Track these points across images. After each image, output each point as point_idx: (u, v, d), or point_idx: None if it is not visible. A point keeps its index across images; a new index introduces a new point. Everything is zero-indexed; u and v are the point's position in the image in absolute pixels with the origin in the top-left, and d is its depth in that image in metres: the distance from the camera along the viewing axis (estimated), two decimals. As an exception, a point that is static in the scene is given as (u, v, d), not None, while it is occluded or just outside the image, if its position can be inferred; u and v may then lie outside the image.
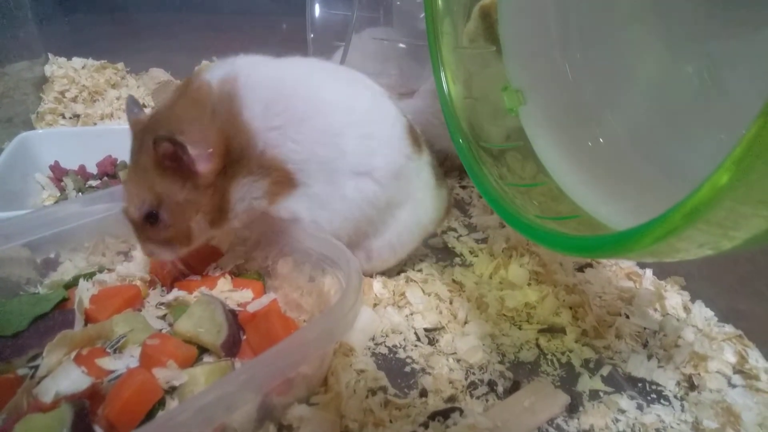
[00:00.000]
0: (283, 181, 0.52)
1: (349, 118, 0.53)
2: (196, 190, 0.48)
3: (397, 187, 0.57)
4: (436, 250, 0.72)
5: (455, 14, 0.60)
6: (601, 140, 0.54)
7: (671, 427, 0.48)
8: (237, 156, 0.49)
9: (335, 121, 0.52)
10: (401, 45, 0.98)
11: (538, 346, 0.56)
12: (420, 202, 0.61)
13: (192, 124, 0.47)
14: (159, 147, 0.45)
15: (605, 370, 0.54)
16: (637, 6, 0.52)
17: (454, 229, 0.78)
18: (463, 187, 0.91)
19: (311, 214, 0.54)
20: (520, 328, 0.58)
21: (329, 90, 0.54)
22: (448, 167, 0.92)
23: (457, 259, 0.70)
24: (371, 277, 0.64)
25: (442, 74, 0.60)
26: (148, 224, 0.49)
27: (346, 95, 0.55)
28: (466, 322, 0.59)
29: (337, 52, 1.03)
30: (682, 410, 0.50)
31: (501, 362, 0.54)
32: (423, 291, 0.63)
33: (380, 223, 0.59)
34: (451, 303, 0.61)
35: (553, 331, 0.58)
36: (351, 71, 0.60)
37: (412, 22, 0.99)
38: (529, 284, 0.64)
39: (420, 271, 0.67)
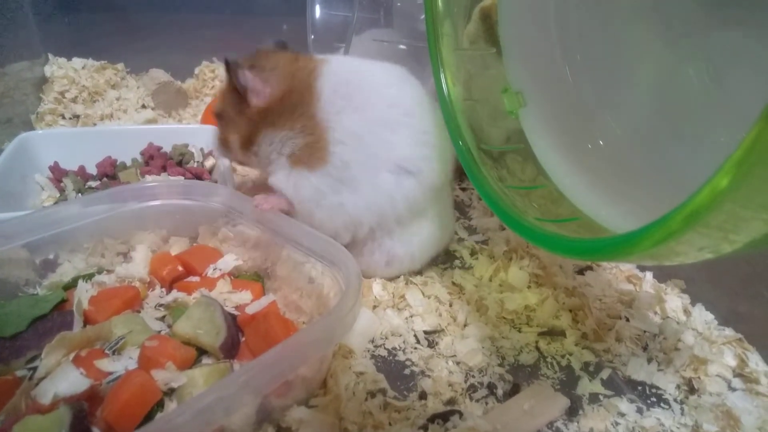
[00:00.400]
0: (315, 151, 0.56)
1: (407, 120, 0.58)
2: (242, 114, 0.57)
3: (432, 199, 0.61)
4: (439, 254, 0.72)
5: (455, 16, 0.60)
6: (601, 142, 0.54)
7: (671, 430, 0.48)
8: (289, 108, 0.56)
9: (390, 117, 0.57)
10: (401, 46, 0.98)
11: (537, 349, 0.56)
12: (443, 221, 0.66)
13: (266, 66, 0.57)
14: (227, 66, 0.55)
15: (605, 374, 0.54)
16: (638, 7, 0.52)
17: (455, 232, 0.78)
18: (463, 189, 0.91)
19: (336, 196, 0.57)
20: (519, 331, 0.58)
21: (392, 89, 0.60)
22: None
23: (457, 262, 0.70)
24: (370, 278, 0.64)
25: (442, 76, 0.60)
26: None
27: (411, 99, 0.60)
28: (465, 325, 0.59)
29: (337, 54, 1.03)
30: (682, 414, 0.50)
31: (501, 365, 0.54)
32: (423, 293, 0.63)
33: (406, 227, 0.61)
34: (450, 305, 0.61)
35: (552, 334, 0.58)
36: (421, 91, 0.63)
37: (413, 24, 0.99)
38: (528, 287, 0.64)
39: (420, 273, 0.66)
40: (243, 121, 0.58)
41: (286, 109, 0.56)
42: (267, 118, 0.57)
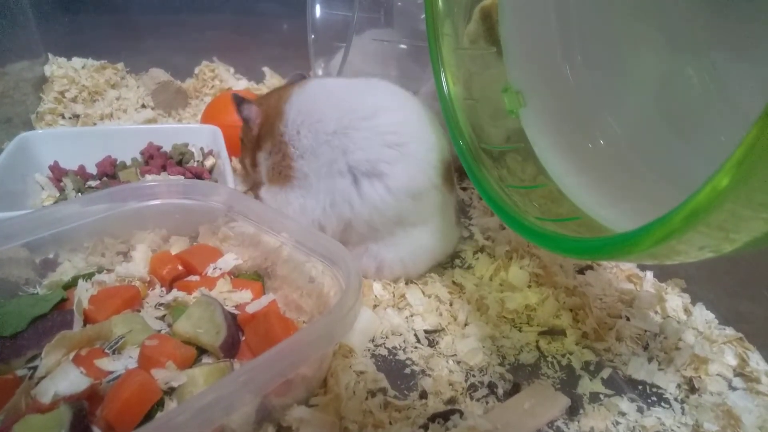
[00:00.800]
0: (282, 169, 0.63)
1: (365, 123, 0.58)
2: (248, 140, 0.70)
3: (413, 206, 0.59)
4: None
5: (456, 15, 0.60)
6: (601, 142, 0.54)
7: (671, 429, 0.48)
8: (268, 131, 0.65)
9: (345, 122, 0.59)
10: (402, 46, 0.98)
11: (538, 348, 0.56)
12: (440, 232, 0.64)
13: (262, 101, 0.69)
14: (233, 101, 0.68)
15: (605, 373, 0.53)
16: (639, 6, 0.52)
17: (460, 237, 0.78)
18: (464, 189, 0.91)
19: (301, 202, 0.62)
20: (520, 330, 0.58)
21: (353, 97, 0.62)
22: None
23: (457, 261, 0.70)
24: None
25: (443, 75, 0.60)
26: None
27: (373, 103, 0.61)
28: (466, 324, 0.59)
29: (337, 53, 1.03)
30: (683, 413, 0.50)
31: (501, 364, 0.54)
32: (423, 293, 0.63)
33: (388, 234, 0.61)
34: (451, 305, 0.61)
35: (553, 333, 0.58)
36: (413, 98, 0.64)
37: (413, 23, 0.99)
38: (529, 286, 0.64)
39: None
40: (248, 146, 0.70)
41: (267, 132, 0.66)
42: (258, 142, 0.67)
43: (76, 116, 1.01)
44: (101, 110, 1.04)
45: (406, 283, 0.64)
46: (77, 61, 1.17)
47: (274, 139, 0.64)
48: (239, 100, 0.67)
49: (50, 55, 1.15)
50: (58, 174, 0.74)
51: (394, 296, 0.62)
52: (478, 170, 0.56)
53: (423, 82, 0.91)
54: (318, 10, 1.11)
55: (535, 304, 0.61)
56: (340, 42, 1.05)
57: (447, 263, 0.69)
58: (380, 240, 0.62)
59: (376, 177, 0.58)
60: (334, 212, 0.60)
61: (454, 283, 0.65)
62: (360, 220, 0.60)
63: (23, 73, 1.02)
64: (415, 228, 0.62)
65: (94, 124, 1.01)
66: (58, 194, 0.72)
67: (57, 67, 1.12)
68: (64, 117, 1.01)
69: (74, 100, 1.06)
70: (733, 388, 0.52)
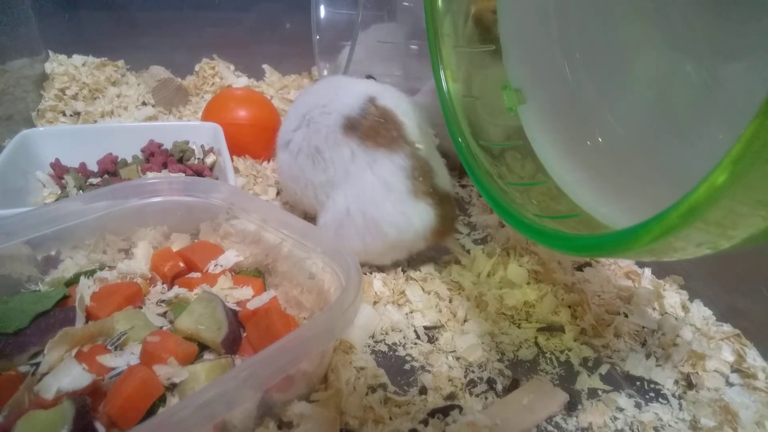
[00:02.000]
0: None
1: (299, 101, 0.70)
2: None
3: (312, 165, 0.65)
4: (435, 249, 0.72)
5: (456, 13, 0.60)
6: (600, 139, 0.54)
7: (669, 425, 0.48)
8: None
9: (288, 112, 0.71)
10: (412, 47, 0.99)
11: (537, 344, 0.57)
12: (368, 194, 0.61)
13: None
14: None
15: (604, 369, 0.54)
16: (638, 3, 0.52)
17: (456, 229, 0.78)
18: (463, 186, 0.91)
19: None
20: (519, 327, 0.59)
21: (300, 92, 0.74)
22: (448, 167, 0.92)
23: (457, 258, 0.70)
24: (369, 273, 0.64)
25: (442, 73, 0.60)
26: None
27: (304, 92, 0.73)
28: (465, 321, 0.59)
29: (342, 52, 1.03)
30: (680, 408, 0.50)
31: (500, 360, 0.54)
32: (423, 289, 0.63)
33: (313, 199, 0.67)
34: (450, 301, 0.62)
35: (552, 329, 0.58)
36: (358, 83, 0.68)
37: (417, 22, 0.99)
38: (528, 283, 0.64)
39: (419, 269, 0.67)
40: None
41: None
42: None
43: (77, 114, 1.02)
44: (102, 107, 1.04)
45: (406, 280, 0.64)
46: (78, 59, 1.17)
47: None
48: None
49: (51, 53, 1.15)
50: (59, 171, 0.74)
51: (393, 293, 0.62)
52: (477, 168, 0.56)
53: (426, 80, 0.92)
54: (323, 10, 1.11)
55: (533, 301, 0.61)
56: (345, 41, 1.05)
57: (446, 260, 0.70)
58: (316, 208, 0.68)
59: (284, 146, 0.69)
60: (283, 185, 0.74)
61: (453, 279, 0.65)
62: (290, 188, 0.71)
63: (24, 70, 1.03)
64: (336, 190, 0.63)
65: (95, 121, 1.01)
66: (59, 191, 0.72)
67: (57, 65, 1.13)
68: (65, 114, 1.01)
69: (75, 97, 1.06)
70: (730, 384, 0.53)
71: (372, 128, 0.61)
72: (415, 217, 0.61)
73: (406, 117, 0.63)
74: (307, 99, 0.69)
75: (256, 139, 0.90)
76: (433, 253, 0.71)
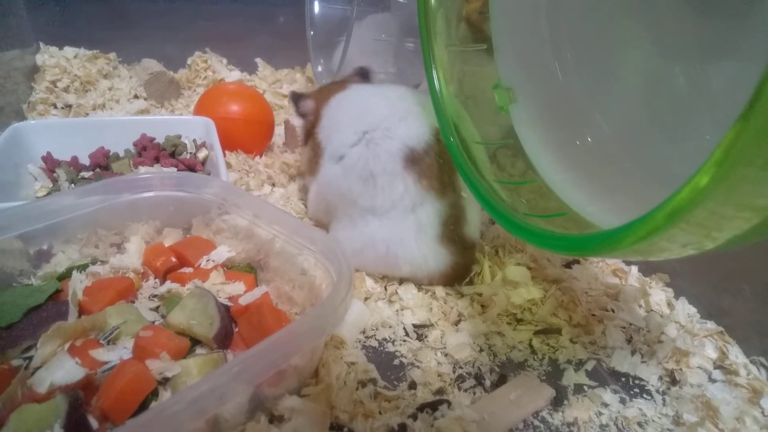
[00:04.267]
0: (313, 165, 0.70)
1: (357, 114, 0.65)
2: (305, 128, 0.75)
3: (363, 188, 0.61)
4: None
5: (448, 11, 0.60)
6: (589, 140, 0.55)
7: (653, 420, 0.49)
8: (311, 126, 0.73)
9: (337, 119, 0.67)
10: (408, 45, 0.99)
11: (530, 345, 0.57)
12: (400, 232, 0.61)
13: (316, 96, 0.75)
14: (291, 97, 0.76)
15: (590, 365, 0.55)
16: (627, 6, 0.52)
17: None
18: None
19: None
20: (515, 329, 0.59)
21: (349, 99, 0.69)
22: None
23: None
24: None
25: (434, 72, 0.60)
26: None
27: (359, 103, 0.68)
28: (457, 321, 0.59)
29: (337, 48, 1.03)
30: (664, 404, 0.51)
31: (490, 359, 0.55)
32: (417, 287, 0.63)
33: (345, 216, 0.65)
34: (445, 302, 0.62)
35: (548, 332, 0.58)
36: (400, 91, 0.68)
37: (412, 19, 0.99)
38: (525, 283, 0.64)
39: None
40: (305, 136, 0.76)
41: (311, 128, 0.73)
42: (308, 134, 0.74)
43: (68, 106, 1.01)
44: (93, 100, 1.04)
45: (400, 283, 0.65)
46: (69, 51, 1.16)
47: (314, 137, 0.70)
48: (296, 97, 0.75)
49: (42, 44, 1.14)
50: (51, 165, 0.74)
51: (385, 290, 0.63)
52: (468, 167, 0.56)
53: (421, 77, 0.92)
54: (316, 6, 1.11)
55: (538, 299, 0.62)
56: (339, 37, 1.05)
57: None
58: (338, 220, 0.66)
59: (338, 159, 0.64)
60: (322, 199, 0.70)
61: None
62: (327, 202, 0.68)
63: (14, 62, 1.02)
64: (374, 215, 0.62)
65: (87, 114, 1.00)
66: (51, 185, 0.72)
67: (48, 57, 1.12)
68: (56, 107, 1.01)
69: (66, 90, 1.06)
70: (712, 381, 0.54)
71: (431, 167, 0.60)
72: (432, 260, 0.61)
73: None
74: (368, 115, 0.64)
75: (248, 133, 0.90)
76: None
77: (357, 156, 0.61)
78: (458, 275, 0.64)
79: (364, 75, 0.80)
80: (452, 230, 0.61)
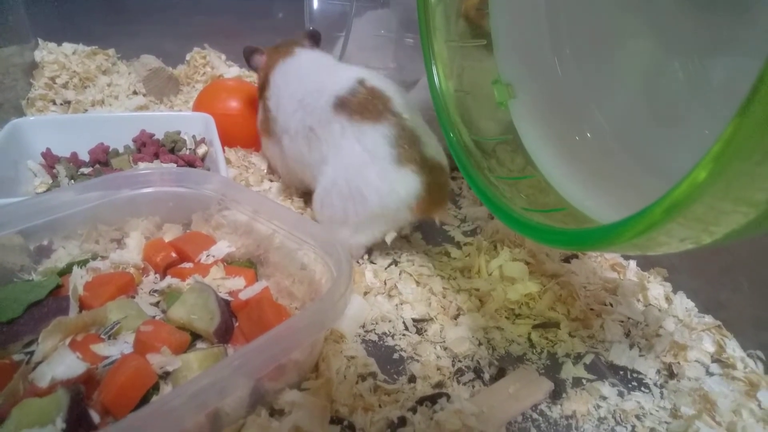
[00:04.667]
0: (266, 125, 0.78)
1: (293, 87, 0.74)
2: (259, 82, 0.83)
3: (309, 145, 0.69)
4: (428, 242, 0.73)
5: (448, 7, 0.60)
6: (588, 134, 0.55)
7: (650, 413, 0.50)
8: (261, 87, 0.81)
9: (281, 92, 0.75)
10: (408, 40, 0.98)
11: (529, 339, 0.57)
12: (354, 164, 0.63)
13: (269, 53, 0.82)
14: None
15: (588, 359, 0.55)
16: (626, 0, 0.52)
17: (447, 200, 0.79)
18: (453, 179, 0.92)
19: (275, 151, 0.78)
20: (513, 323, 0.59)
21: (291, 70, 0.77)
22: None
23: (448, 250, 0.71)
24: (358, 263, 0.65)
25: (434, 68, 0.60)
26: None
27: (298, 74, 0.76)
28: (456, 315, 0.60)
29: (336, 44, 1.03)
30: (662, 397, 0.52)
31: (489, 353, 0.55)
32: (417, 283, 0.64)
33: (311, 177, 0.70)
34: (444, 296, 0.62)
35: (547, 326, 0.59)
36: (350, 68, 0.72)
37: (411, 14, 0.99)
38: (522, 279, 0.65)
39: (412, 261, 0.68)
40: (259, 92, 0.82)
41: (261, 89, 0.81)
42: (260, 92, 0.81)
43: (67, 102, 1.01)
44: (92, 96, 1.04)
45: (399, 273, 0.65)
46: (68, 47, 1.16)
47: (264, 101, 0.78)
48: (250, 51, 0.83)
49: (40, 40, 1.14)
50: (50, 161, 0.74)
51: (385, 284, 0.63)
52: (468, 162, 0.57)
53: (421, 72, 0.92)
54: (316, 1, 1.11)
55: (535, 294, 0.62)
56: (338, 32, 1.04)
57: (440, 253, 0.70)
58: (315, 181, 0.69)
59: (286, 132, 0.73)
60: (281, 164, 0.79)
61: (443, 272, 0.66)
62: (290, 167, 0.75)
63: (13, 58, 1.02)
64: (327, 164, 0.66)
65: (86, 110, 1.00)
66: (50, 181, 0.72)
67: (47, 53, 1.12)
68: (55, 103, 1.01)
69: (65, 86, 1.06)
70: (710, 374, 0.54)
71: (360, 104, 0.64)
72: (400, 184, 0.62)
73: (394, 94, 0.66)
74: (300, 86, 0.72)
75: (247, 129, 0.90)
76: (425, 240, 0.72)
77: (298, 120, 0.70)
78: (436, 199, 0.64)
79: (313, 38, 0.85)
80: (408, 150, 0.62)
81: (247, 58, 0.83)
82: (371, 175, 0.62)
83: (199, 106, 0.91)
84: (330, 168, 0.65)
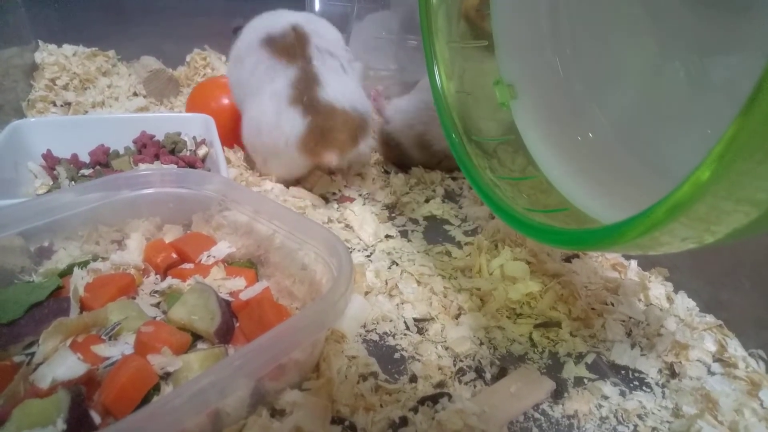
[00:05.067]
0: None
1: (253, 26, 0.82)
2: None
3: (238, 70, 0.78)
4: (429, 242, 0.73)
5: (449, 8, 0.60)
6: (590, 135, 0.55)
7: (652, 413, 0.50)
8: None
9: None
10: (411, 42, 0.99)
11: (530, 339, 0.57)
12: (263, 104, 0.72)
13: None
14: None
15: (590, 358, 0.55)
16: (628, 1, 0.52)
17: (447, 221, 0.79)
18: (454, 179, 0.92)
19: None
20: (515, 323, 0.59)
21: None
22: (445, 167, 0.93)
23: (449, 249, 0.71)
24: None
25: (436, 69, 0.60)
26: None
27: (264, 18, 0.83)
28: (457, 315, 0.60)
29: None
30: (663, 397, 0.52)
31: (491, 352, 0.55)
32: (418, 282, 0.64)
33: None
34: (445, 296, 0.62)
35: (548, 326, 0.59)
36: (300, 15, 0.81)
37: (411, 16, 0.99)
38: (523, 278, 0.65)
39: (413, 261, 0.67)
40: None
41: None
42: None
43: (68, 104, 1.01)
44: (93, 98, 1.04)
45: (401, 273, 0.65)
46: (68, 48, 1.16)
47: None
48: (237, 29, 0.86)
49: (40, 42, 1.14)
50: (51, 162, 0.74)
51: (386, 284, 0.63)
52: (469, 162, 0.57)
53: (421, 74, 0.92)
54: (317, 3, 1.11)
55: (536, 293, 0.62)
56: (341, 33, 1.05)
57: (441, 252, 0.70)
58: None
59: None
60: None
61: (444, 272, 0.66)
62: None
63: (13, 59, 1.02)
64: (253, 97, 0.74)
65: (86, 112, 1.00)
66: (51, 183, 0.72)
67: (47, 54, 1.12)
68: (55, 105, 1.01)
69: (65, 87, 1.06)
70: (711, 373, 0.54)
71: (283, 46, 0.73)
72: (285, 122, 0.69)
73: (321, 40, 0.74)
74: (255, 24, 0.81)
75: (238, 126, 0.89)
76: (426, 240, 0.72)
77: (240, 48, 0.79)
78: (322, 141, 0.70)
79: None
80: (301, 91, 0.69)
81: (234, 34, 0.88)
82: (269, 112, 0.71)
83: (191, 104, 0.91)
84: (254, 103, 0.73)
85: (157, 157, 0.78)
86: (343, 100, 0.71)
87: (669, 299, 0.64)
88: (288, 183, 0.80)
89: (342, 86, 0.72)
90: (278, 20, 0.77)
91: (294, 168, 0.75)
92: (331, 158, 0.71)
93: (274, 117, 0.69)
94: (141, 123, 0.83)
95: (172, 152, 0.80)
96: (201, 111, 0.87)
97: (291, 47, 0.72)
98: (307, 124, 0.68)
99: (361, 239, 0.72)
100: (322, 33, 0.75)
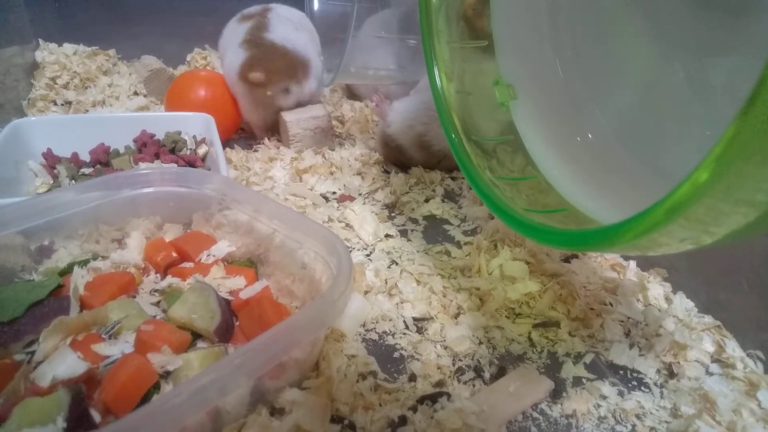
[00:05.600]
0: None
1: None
2: None
3: (222, 42, 0.97)
4: (428, 241, 0.73)
5: (450, 9, 0.60)
6: (589, 136, 0.55)
7: (650, 413, 0.50)
8: None
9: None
10: (411, 42, 0.99)
11: (529, 338, 0.57)
12: (228, 54, 0.91)
13: None
14: None
15: (588, 358, 0.55)
16: (628, 2, 0.52)
17: (446, 221, 0.79)
18: (453, 179, 0.92)
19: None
20: (513, 322, 0.59)
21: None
22: (445, 167, 0.93)
23: (448, 249, 0.71)
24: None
25: (436, 69, 0.61)
26: None
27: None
28: (457, 314, 0.60)
29: (337, 45, 1.03)
30: (662, 397, 0.52)
31: (489, 350, 0.55)
32: (417, 282, 0.64)
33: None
34: (444, 295, 0.62)
35: (547, 325, 0.59)
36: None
37: (411, 16, 0.99)
38: (522, 277, 0.65)
39: (412, 260, 0.68)
40: None
41: None
42: None
43: (68, 103, 1.01)
44: (93, 97, 1.04)
45: (400, 272, 0.65)
46: (68, 47, 1.16)
47: None
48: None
49: (41, 41, 1.14)
50: (51, 161, 0.74)
51: (386, 283, 0.63)
52: (468, 162, 0.57)
53: (421, 74, 0.92)
54: (316, 2, 1.11)
55: (535, 293, 0.62)
56: (339, 33, 1.05)
57: (441, 252, 0.70)
58: None
59: None
60: None
61: (443, 271, 0.66)
62: None
63: (14, 58, 1.02)
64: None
65: (86, 111, 1.01)
66: (51, 181, 0.72)
67: (48, 53, 1.12)
68: (56, 103, 1.01)
69: (66, 86, 1.06)
70: (710, 374, 0.54)
71: (250, 15, 0.93)
72: (234, 56, 0.88)
73: (283, 11, 0.93)
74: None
75: (220, 116, 0.88)
76: (425, 240, 0.72)
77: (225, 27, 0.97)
78: (250, 68, 0.87)
79: None
80: (250, 34, 0.89)
81: None
82: (231, 57, 0.89)
83: (171, 97, 0.95)
84: (225, 57, 0.92)
85: (157, 156, 0.78)
86: (285, 42, 0.87)
87: (667, 300, 0.64)
88: (264, 131, 0.98)
89: (289, 34, 0.88)
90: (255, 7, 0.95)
91: (247, 103, 0.91)
92: (257, 77, 0.86)
93: (233, 58, 0.87)
94: (141, 122, 0.83)
95: (173, 151, 0.80)
96: (179, 102, 0.93)
97: (255, 13, 0.92)
98: (247, 57, 0.86)
99: (360, 238, 0.72)
100: (285, 10, 0.94)
